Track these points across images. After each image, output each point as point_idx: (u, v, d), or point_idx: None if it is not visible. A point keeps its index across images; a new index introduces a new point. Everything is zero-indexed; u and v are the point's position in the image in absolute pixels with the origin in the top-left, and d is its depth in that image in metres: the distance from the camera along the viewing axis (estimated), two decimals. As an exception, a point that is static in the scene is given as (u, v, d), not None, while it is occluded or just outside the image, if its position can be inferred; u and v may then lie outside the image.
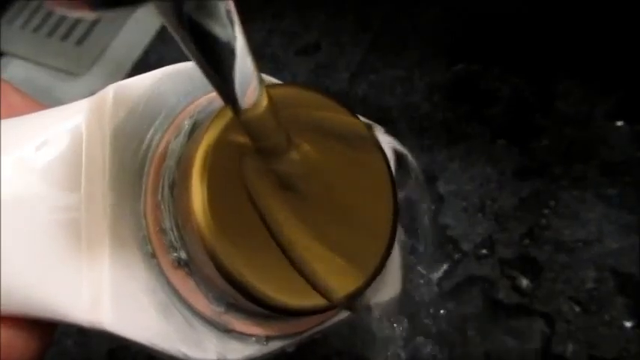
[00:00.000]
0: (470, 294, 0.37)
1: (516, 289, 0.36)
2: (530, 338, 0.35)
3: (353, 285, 0.17)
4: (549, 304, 0.35)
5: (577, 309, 0.35)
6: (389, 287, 0.19)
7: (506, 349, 0.35)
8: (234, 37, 0.13)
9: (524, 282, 0.36)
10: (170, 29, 0.13)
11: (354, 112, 0.19)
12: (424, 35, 0.49)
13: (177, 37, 0.13)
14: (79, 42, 0.55)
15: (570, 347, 0.34)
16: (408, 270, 0.19)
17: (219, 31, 0.13)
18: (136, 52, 0.53)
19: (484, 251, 0.38)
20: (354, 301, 0.17)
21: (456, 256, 0.38)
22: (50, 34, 0.55)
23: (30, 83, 0.53)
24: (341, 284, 0.17)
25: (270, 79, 0.20)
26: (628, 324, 0.34)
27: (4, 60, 0.56)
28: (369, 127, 0.19)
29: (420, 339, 0.36)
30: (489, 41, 0.46)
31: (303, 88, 0.19)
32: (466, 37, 0.47)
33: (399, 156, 0.20)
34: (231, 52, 0.13)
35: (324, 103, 0.19)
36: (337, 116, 0.19)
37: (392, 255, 0.18)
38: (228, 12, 0.13)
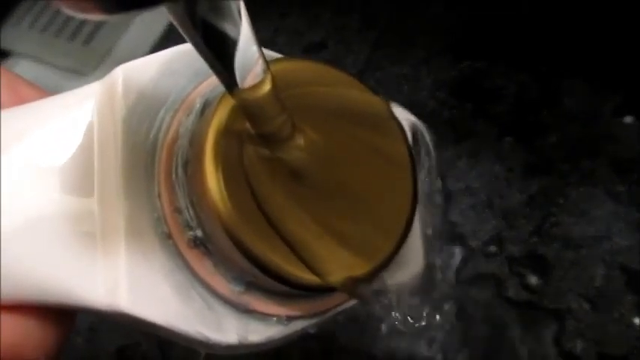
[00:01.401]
0: (478, 292, 0.37)
1: (525, 286, 0.36)
2: (540, 336, 0.35)
3: (357, 271, 0.17)
4: (558, 302, 0.35)
5: (586, 306, 0.35)
6: (409, 267, 0.18)
7: (516, 347, 0.35)
8: (242, 31, 0.13)
9: (533, 279, 0.36)
10: (179, 28, 0.13)
11: (370, 88, 0.19)
12: (430, 33, 0.48)
13: (185, 35, 0.13)
14: (86, 42, 0.55)
15: (580, 344, 0.34)
16: (431, 250, 0.18)
17: (229, 28, 0.13)
18: (143, 51, 0.53)
19: (492, 249, 0.38)
20: (354, 287, 0.17)
21: (464, 253, 0.38)
22: (57, 33, 0.56)
23: (37, 83, 0.53)
24: (345, 270, 0.17)
25: (273, 54, 0.19)
26: (637, 321, 0.34)
27: (12, 60, 0.56)
28: (387, 103, 0.18)
29: (427, 336, 0.36)
30: (495, 38, 0.46)
31: (312, 62, 0.18)
32: (472, 34, 0.47)
33: (414, 131, 0.19)
34: (236, 44, 0.13)
35: (337, 76, 0.18)
36: (351, 92, 0.18)
37: (412, 235, 0.18)
38: (237, 6, 0.13)
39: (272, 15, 0.53)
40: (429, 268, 0.18)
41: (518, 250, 0.37)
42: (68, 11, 0.11)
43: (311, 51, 0.51)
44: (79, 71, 0.53)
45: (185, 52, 0.19)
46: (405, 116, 0.19)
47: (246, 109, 0.15)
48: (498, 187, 0.40)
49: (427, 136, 0.19)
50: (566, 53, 0.44)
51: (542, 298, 0.36)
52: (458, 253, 0.38)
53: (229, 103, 0.17)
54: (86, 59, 0.54)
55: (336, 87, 0.18)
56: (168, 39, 0.54)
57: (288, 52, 0.51)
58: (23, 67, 0.55)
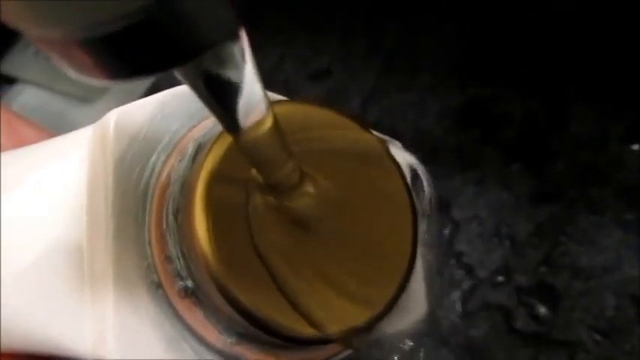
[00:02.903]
0: (486, 323, 0.36)
1: (534, 317, 0.36)
2: (550, 368, 0.34)
3: (354, 320, 0.16)
4: (568, 333, 0.35)
5: (597, 337, 0.34)
6: (411, 313, 0.18)
7: (525, 380, 0.34)
8: (245, 73, 0.13)
9: (542, 310, 0.36)
10: (184, 81, 0.12)
11: (367, 128, 0.18)
12: (435, 59, 0.49)
13: (188, 86, 0.12)
14: (92, 68, 0.55)
15: (591, 377, 0.33)
16: (434, 293, 0.18)
17: (232, 74, 0.12)
18: (149, 80, 0.53)
19: (500, 278, 0.37)
20: (351, 338, 0.16)
21: (472, 283, 0.38)
22: (64, 60, 0.56)
23: (44, 109, 0.53)
24: (344, 320, 0.16)
25: (275, 96, 0.19)
26: (650, 353, 0.33)
27: (18, 86, 0.56)
28: (384, 144, 0.18)
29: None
30: (501, 64, 0.46)
31: (309, 105, 0.18)
32: (478, 60, 0.47)
33: (414, 174, 0.19)
34: (240, 87, 0.13)
35: (333, 119, 0.18)
36: (349, 135, 0.18)
37: (414, 281, 0.17)
38: (242, 51, 0.12)
39: (277, 42, 0.54)
40: (432, 313, 0.18)
41: (527, 279, 0.37)
42: (75, 76, 0.10)
43: (317, 78, 0.51)
44: (85, 98, 0.54)
45: (178, 94, 0.18)
46: (403, 157, 0.18)
47: (251, 152, 0.15)
48: (506, 216, 0.39)
49: (425, 179, 0.19)
50: (574, 80, 0.44)
51: (552, 330, 0.35)
52: (465, 283, 0.38)
53: (220, 150, 0.16)
54: (92, 86, 0.54)
55: (334, 129, 0.18)
56: (174, 66, 0.54)
57: (293, 78, 0.51)
58: (29, 94, 0.55)
